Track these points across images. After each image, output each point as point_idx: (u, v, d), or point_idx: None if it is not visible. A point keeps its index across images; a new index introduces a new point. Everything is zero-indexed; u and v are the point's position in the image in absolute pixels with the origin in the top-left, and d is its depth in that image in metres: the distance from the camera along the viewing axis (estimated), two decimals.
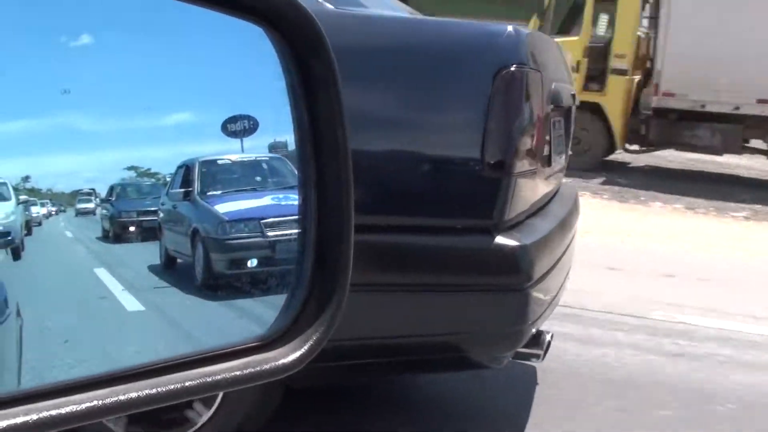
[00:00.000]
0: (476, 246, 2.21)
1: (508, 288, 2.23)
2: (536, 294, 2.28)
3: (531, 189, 2.43)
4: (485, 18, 6.27)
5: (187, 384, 0.66)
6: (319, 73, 0.71)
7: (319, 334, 0.72)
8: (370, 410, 3.02)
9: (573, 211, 3.05)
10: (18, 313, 0.76)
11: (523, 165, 2.24)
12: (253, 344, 0.72)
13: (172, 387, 0.65)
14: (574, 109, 3.26)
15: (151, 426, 2.32)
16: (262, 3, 0.69)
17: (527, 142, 2.25)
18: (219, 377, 0.67)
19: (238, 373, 0.68)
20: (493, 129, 2.14)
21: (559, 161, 2.94)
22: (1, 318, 0.72)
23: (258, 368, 0.69)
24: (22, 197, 0.79)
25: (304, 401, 2.75)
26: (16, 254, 0.79)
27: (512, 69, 2.16)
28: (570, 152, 3.23)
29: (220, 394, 2.29)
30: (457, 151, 2.23)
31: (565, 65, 3.05)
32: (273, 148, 0.90)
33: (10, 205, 0.78)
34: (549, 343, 2.54)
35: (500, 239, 2.19)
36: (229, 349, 0.71)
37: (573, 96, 3.00)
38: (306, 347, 0.71)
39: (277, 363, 0.70)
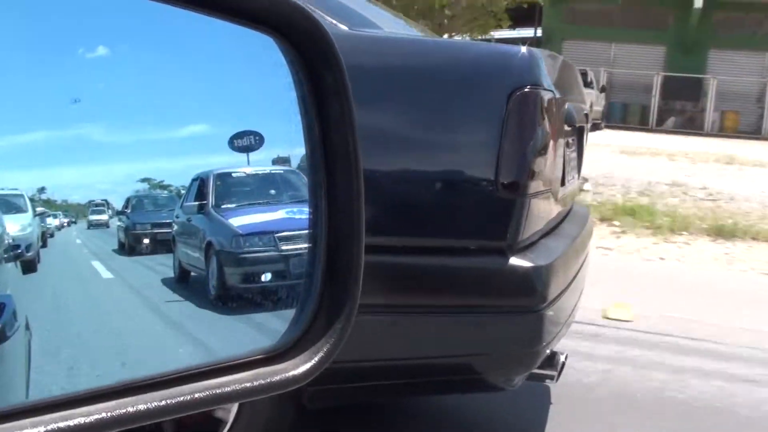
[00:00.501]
0: (490, 267, 2.19)
1: (522, 309, 2.21)
2: (551, 315, 2.26)
3: (545, 209, 2.42)
4: None
5: (196, 396, 0.65)
6: (330, 83, 0.71)
7: (330, 345, 0.71)
8: (380, 423, 3.02)
9: (586, 230, 3.04)
10: (27, 326, 0.76)
11: (537, 186, 2.23)
12: (263, 356, 0.71)
13: (181, 399, 0.64)
14: (587, 127, 3.26)
15: None
16: (274, 13, 0.68)
17: (541, 163, 2.24)
18: (228, 389, 0.67)
19: (247, 384, 0.67)
20: (507, 150, 2.14)
21: (573, 180, 2.94)
22: (9, 331, 0.72)
23: (268, 380, 0.68)
24: (39, 209, 0.79)
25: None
26: (32, 266, 0.79)
27: (526, 90, 2.16)
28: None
29: (234, 412, 2.28)
30: (471, 172, 2.22)
31: (578, 85, 3.05)
32: (277, 162, 0.90)
33: (27, 217, 0.78)
34: (563, 364, 2.52)
35: (514, 260, 2.18)
36: (239, 361, 0.70)
37: (586, 115, 3.00)
38: (316, 359, 0.70)
39: (287, 375, 0.69)
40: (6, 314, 0.71)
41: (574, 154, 2.93)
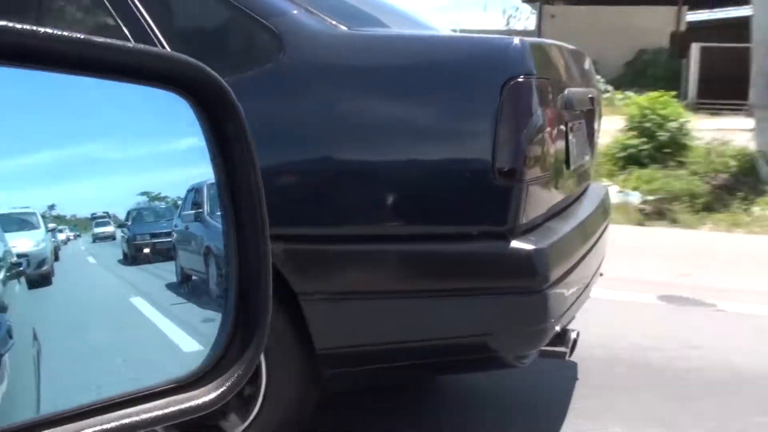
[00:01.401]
0: (493, 251, 2.26)
1: (526, 290, 2.28)
2: (556, 294, 2.32)
3: (547, 193, 2.47)
4: None
5: (104, 427, 0.67)
6: (231, 130, 0.75)
7: (240, 373, 0.75)
8: (402, 402, 3.13)
9: (600, 209, 3.11)
10: (35, 337, 0.80)
11: (534, 172, 2.28)
12: (179, 384, 0.75)
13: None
14: (598, 110, 3.34)
15: None
16: (174, 73, 0.73)
17: (538, 150, 2.29)
18: (137, 418, 0.69)
19: (158, 413, 0.70)
20: (502, 139, 2.19)
21: (582, 162, 3.01)
22: (2, 349, 0.75)
23: (178, 407, 0.71)
24: (50, 225, 0.90)
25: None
26: (47, 280, 0.84)
27: (519, 80, 2.20)
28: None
29: (258, 404, 2.40)
30: (470, 161, 2.28)
31: (582, 70, 3.11)
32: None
33: (40, 233, 0.87)
34: (575, 341, 2.60)
35: (516, 244, 2.24)
36: (157, 389, 0.73)
37: (592, 99, 3.07)
38: (226, 386, 0.74)
39: (197, 402, 0.72)
40: None
41: (582, 137, 3.00)
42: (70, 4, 2.75)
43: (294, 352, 2.38)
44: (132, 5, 2.42)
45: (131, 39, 2.42)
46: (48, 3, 2.65)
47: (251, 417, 2.42)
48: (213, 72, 0.71)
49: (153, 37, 2.41)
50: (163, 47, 2.40)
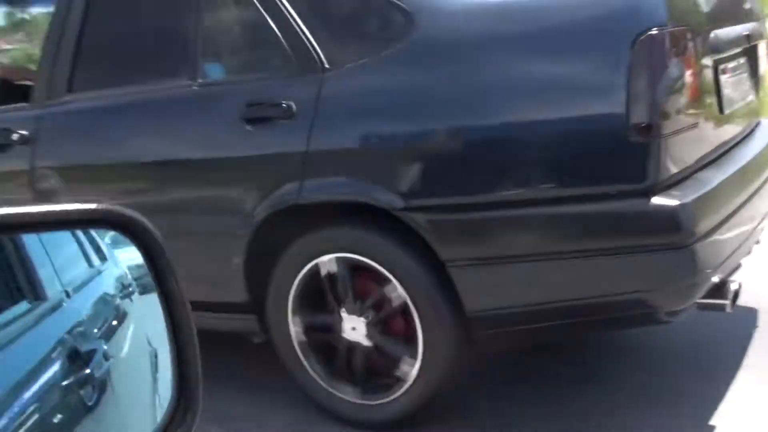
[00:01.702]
0: (635, 209, 2.23)
1: (672, 246, 2.23)
2: (706, 246, 2.27)
3: (694, 143, 2.38)
4: None
5: None
6: (153, 249, 0.90)
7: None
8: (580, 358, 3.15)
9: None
10: (149, 343, 0.96)
11: (674, 124, 2.21)
12: None
13: None
14: (763, 45, 3.14)
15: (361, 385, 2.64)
16: (109, 218, 0.91)
17: (676, 102, 2.22)
18: None
19: None
20: (636, 94, 2.15)
21: (741, 104, 2.85)
22: (98, 372, 0.91)
23: None
24: None
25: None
26: None
27: (651, 33, 2.15)
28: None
29: (417, 365, 2.51)
30: (607, 120, 2.25)
31: (736, 8, 2.93)
32: None
33: None
34: (736, 292, 2.50)
35: (657, 200, 2.19)
36: None
37: (748, 36, 2.89)
38: None
39: None
40: (95, 359, 0.90)
41: (739, 78, 2.85)
42: None
43: (446, 316, 2.46)
44: None
45: (274, 27, 2.56)
46: None
47: (412, 378, 2.52)
48: (134, 213, 0.89)
49: (294, 24, 2.54)
50: (304, 33, 2.53)
